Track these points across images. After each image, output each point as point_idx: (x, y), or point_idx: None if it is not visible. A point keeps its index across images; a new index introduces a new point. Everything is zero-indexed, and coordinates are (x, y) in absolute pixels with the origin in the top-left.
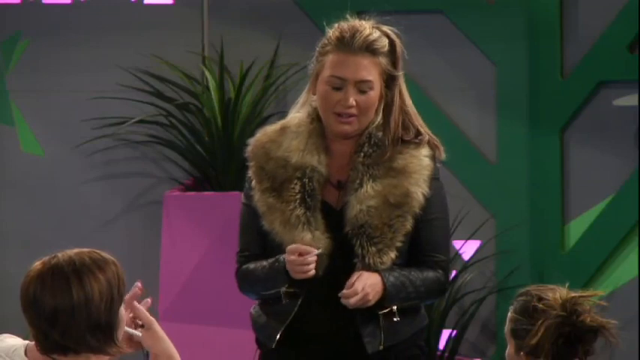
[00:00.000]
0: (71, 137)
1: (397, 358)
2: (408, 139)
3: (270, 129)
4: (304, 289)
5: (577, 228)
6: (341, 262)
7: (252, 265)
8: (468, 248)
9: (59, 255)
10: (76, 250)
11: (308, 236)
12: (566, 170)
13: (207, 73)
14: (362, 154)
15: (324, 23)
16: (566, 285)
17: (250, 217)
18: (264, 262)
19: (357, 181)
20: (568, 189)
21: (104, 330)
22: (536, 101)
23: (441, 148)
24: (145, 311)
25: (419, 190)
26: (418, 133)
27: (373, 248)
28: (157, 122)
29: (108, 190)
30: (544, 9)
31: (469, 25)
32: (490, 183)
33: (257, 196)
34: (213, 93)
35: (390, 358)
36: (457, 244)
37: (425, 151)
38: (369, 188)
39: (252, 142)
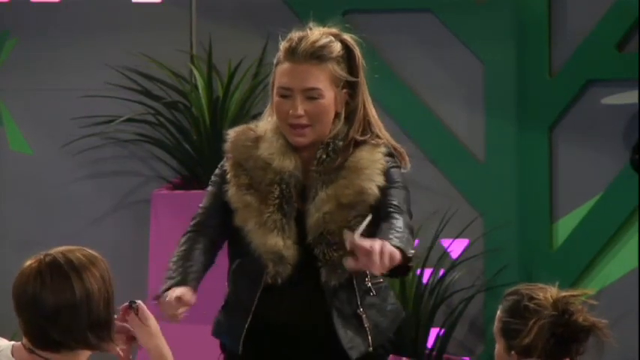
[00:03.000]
0: (60, 136)
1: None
2: (362, 139)
3: (249, 132)
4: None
5: (565, 226)
6: (304, 271)
7: (183, 246)
8: (456, 247)
9: (52, 253)
10: (65, 248)
11: (280, 243)
12: (554, 169)
13: (195, 72)
14: (316, 162)
15: (312, 22)
16: (556, 284)
17: (216, 197)
18: (180, 254)
19: (314, 190)
20: (556, 187)
21: (103, 327)
22: (525, 100)
23: (406, 158)
24: (144, 309)
25: (373, 184)
26: (376, 137)
27: (335, 254)
28: (146, 121)
29: (96, 188)
30: (532, 8)
31: (458, 24)
32: (478, 181)
33: (232, 190)
34: (201, 91)
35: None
36: (445, 242)
37: (380, 150)
38: (324, 194)
39: (231, 134)
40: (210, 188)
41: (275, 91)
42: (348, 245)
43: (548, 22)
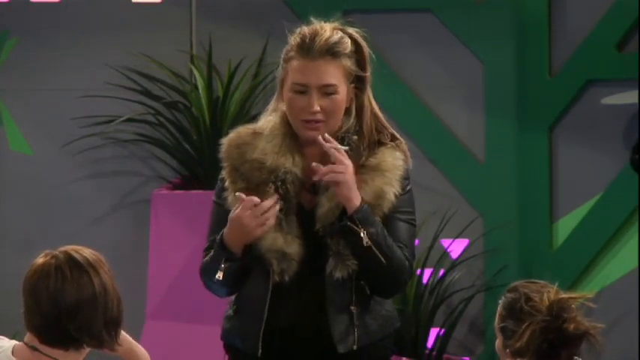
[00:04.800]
0: (60, 136)
1: (370, 357)
2: (385, 141)
3: (244, 131)
4: (244, 258)
5: (565, 226)
6: (311, 267)
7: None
8: (456, 247)
9: (63, 250)
10: (71, 247)
11: (279, 240)
12: (554, 169)
13: (195, 72)
14: None
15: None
16: (556, 284)
17: (222, 216)
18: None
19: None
20: (556, 187)
21: (116, 325)
22: (525, 100)
23: (408, 155)
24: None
25: (392, 190)
26: (394, 138)
27: (344, 241)
28: (146, 121)
29: (96, 188)
30: (532, 8)
31: (457, 24)
32: (478, 181)
33: (230, 197)
34: (201, 91)
35: (363, 357)
36: (445, 242)
37: (399, 154)
38: None
39: (225, 142)
40: (213, 208)
41: (288, 87)
42: (321, 141)
43: (548, 22)
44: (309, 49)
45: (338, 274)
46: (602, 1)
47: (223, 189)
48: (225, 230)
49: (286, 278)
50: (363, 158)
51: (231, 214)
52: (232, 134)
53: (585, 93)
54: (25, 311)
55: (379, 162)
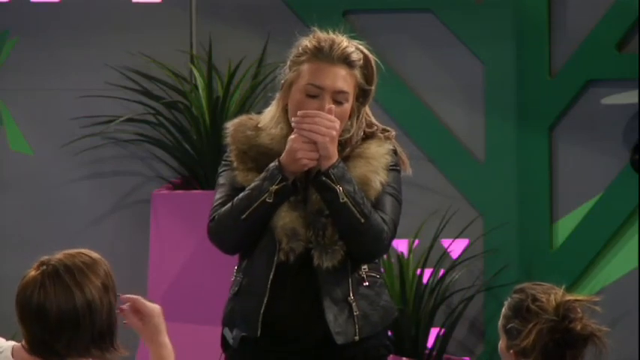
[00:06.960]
0: (60, 136)
1: (366, 355)
2: (372, 130)
3: (249, 122)
4: (295, 184)
5: (565, 226)
6: (311, 255)
7: (223, 210)
8: (456, 247)
9: (53, 261)
10: (65, 254)
11: (297, 219)
12: (554, 169)
13: (195, 72)
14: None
15: (312, 22)
16: (562, 287)
17: (234, 178)
18: (229, 207)
19: (315, 171)
20: (556, 188)
21: (106, 337)
22: (525, 100)
23: (407, 162)
24: (145, 305)
25: (377, 178)
26: (385, 130)
27: (328, 234)
28: (146, 121)
29: (96, 188)
30: (532, 8)
31: (458, 24)
32: (478, 182)
33: (241, 174)
34: (201, 91)
35: (359, 355)
36: (445, 242)
37: (387, 144)
38: None
39: (230, 126)
40: (221, 178)
41: (300, 88)
42: None
43: (548, 22)
44: (327, 53)
45: (327, 264)
46: (602, 1)
47: (232, 168)
48: (282, 157)
49: (291, 258)
50: (348, 149)
51: (290, 137)
52: (237, 120)
53: (585, 93)
54: (18, 322)
55: (363, 150)
